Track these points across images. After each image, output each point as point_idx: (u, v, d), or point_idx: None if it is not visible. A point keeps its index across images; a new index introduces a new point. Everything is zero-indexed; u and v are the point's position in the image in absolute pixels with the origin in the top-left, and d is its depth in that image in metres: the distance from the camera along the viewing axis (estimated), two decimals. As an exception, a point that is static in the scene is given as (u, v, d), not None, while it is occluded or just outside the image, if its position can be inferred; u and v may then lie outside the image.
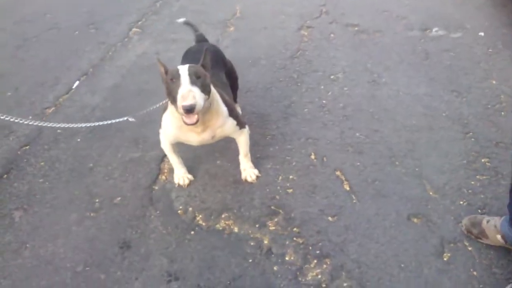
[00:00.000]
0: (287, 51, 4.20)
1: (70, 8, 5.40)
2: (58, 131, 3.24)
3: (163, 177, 2.85)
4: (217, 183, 2.77)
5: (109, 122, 2.62)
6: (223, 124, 2.41)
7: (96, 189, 2.77)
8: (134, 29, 4.87)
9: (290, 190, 2.68)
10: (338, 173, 2.78)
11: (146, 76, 3.91)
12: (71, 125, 2.66)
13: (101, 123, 2.62)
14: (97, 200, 2.69)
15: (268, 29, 4.67)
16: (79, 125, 2.76)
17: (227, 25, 4.83)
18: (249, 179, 2.75)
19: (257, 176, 2.77)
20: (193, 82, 2.05)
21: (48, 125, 2.55)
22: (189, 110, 1.99)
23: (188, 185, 2.76)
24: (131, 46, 4.49)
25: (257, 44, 4.37)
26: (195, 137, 2.40)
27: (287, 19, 4.84)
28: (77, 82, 3.92)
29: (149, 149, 3.04)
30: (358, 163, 2.84)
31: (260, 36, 4.53)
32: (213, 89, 2.29)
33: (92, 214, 2.60)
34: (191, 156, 2.92)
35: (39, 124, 2.77)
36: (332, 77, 3.76)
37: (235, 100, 3.16)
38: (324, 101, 3.46)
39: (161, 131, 2.52)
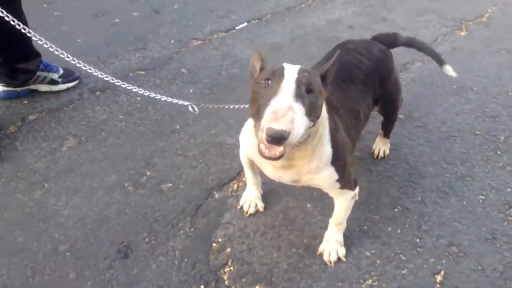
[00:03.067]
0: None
1: None
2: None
3: (235, 186, 2.11)
4: (284, 235, 1.91)
5: (170, 100, 1.90)
6: (317, 172, 1.50)
7: (158, 160, 2.20)
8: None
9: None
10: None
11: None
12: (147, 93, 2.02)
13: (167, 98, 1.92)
14: (148, 173, 2.13)
15: None
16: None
17: (460, 27, 3.54)
18: (326, 257, 1.81)
19: (339, 259, 1.81)
20: (298, 96, 1.22)
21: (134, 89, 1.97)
22: (276, 139, 1.14)
23: (252, 215, 1.98)
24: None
25: (483, 68, 3.05)
26: (270, 170, 1.57)
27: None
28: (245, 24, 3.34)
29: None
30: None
31: (496, 58, 3.16)
32: (324, 115, 1.40)
33: (129, 188, 2.06)
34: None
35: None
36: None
37: (387, 135, 2.22)
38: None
39: (241, 137, 1.74)
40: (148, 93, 1.95)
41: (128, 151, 2.24)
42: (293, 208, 2.02)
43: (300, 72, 1.26)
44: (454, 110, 2.66)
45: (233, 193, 2.08)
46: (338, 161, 1.52)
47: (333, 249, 1.80)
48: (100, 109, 2.46)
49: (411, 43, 2.10)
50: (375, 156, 2.29)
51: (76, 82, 2.64)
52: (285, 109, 1.16)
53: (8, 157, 2.18)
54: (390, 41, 2.04)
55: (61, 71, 2.57)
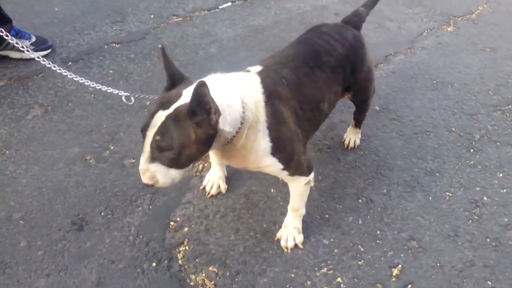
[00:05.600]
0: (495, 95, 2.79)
1: None
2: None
3: (200, 166, 2.08)
4: (244, 218, 1.88)
5: (111, 90, 1.79)
6: (259, 161, 1.50)
7: (123, 135, 2.16)
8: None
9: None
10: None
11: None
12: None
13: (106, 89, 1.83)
14: (111, 148, 2.09)
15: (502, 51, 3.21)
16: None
17: (448, 22, 3.50)
18: (283, 243, 1.79)
19: (296, 245, 1.79)
20: (155, 158, 1.29)
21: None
22: (147, 186, 1.36)
23: (214, 196, 1.95)
24: None
25: (466, 65, 3.02)
26: (219, 156, 1.59)
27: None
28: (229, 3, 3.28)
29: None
30: None
31: (480, 56, 3.14)
32: (258, 118, 1.41)
33: (91, 161, 2.02)
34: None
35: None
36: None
37: (358, 125, 2.19)
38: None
39: None
40: (83, 81, 1.85)
41: (94, 124, 2.19)
42: (256, 192, 1.99)
43: (157, 133, 1.24)
44: (431, 105, 2.63)
45: (197, 173, 2.05)
46: (280, 153, 1.50)
47: (290, 235, 1.78)
48: (70, 79, 2.39)
49: (371, 5, 2.07)
50: (345, 146, 2.27)
51: (49, 51, 2.57)
52: (142, 171, 1.30)
53: (-30, 121, 2.13)
54: (358, 19, 1.98)
55: (34, 39, 2.51)
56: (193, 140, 1.26)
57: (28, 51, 2.36)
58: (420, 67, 2.96)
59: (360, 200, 2.02)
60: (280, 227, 1.84)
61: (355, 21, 1.96)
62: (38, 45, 2.52)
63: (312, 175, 1.67)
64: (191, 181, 2.01)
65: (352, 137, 2.27)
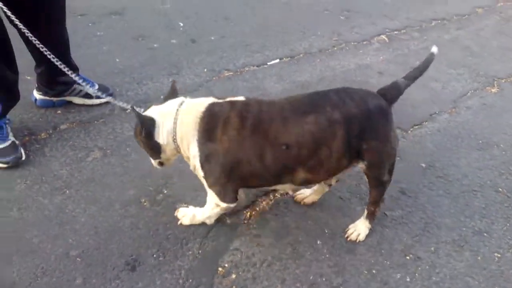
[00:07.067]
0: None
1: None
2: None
3: (248, 214, 2.13)
4: (291, 269, 1.89)
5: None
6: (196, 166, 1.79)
7: (176, 180, 2.25)
8: (381, 37, 4.07)
9: None
10: None
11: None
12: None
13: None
14: (165, 192, 2.18)
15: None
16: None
17: (492, 83, 3.54)
18: (179, 215, 2.06)
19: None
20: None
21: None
22: None
23: (261, 245, 1.98)
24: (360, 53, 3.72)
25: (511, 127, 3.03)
26: None
27: None
28: (277, 60, 3.45)
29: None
30: None
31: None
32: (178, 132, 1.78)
33: (145, 204, 2.11)
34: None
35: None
36: None
37: (370, 215, 2.05)
38: None
39: None
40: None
41: (149, 168, 2.29)
42: (302, 243, 2.01)
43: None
44: (477, 165, 2.63)
45: (245, 221, 2.10)
46: (206, 167, 1.74)
47: (188, 212, 2.04)
48: (128, 126, 2.55)
49: (414, 77, 1.90)
50: (346, 236, 2.06)
51: (110, 98, 2.75)
52: None
53: (36, 161, 2.27)
54: (396, 91, 1.83)
55: (97, 86, 2.70)
56: (143, 146, 1.89)
57: (97, 97, 2.56)
58: (465, 127, 2.98)
59: (407, 257, 2.01)
60: (327, 280, 1.85)
61: (392, 94, 1.82)
62: (101, 93, 2.70)
63: (225, 206, 1.84)
64: (238, 228, 2.05)
65: (358, 227, 2.06)
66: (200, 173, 1.78)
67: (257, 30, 3.90)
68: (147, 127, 1.75)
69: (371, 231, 2.08)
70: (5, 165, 2.20)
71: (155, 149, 1.85)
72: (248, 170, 1.71)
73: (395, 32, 4.22)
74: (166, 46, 3.45)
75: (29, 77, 2.69)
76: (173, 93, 1.90)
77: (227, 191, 1.79)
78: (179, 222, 2.02)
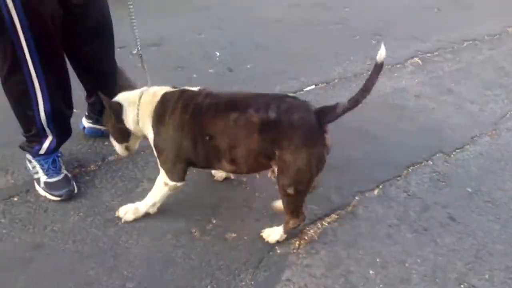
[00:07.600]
0: None
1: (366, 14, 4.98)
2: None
3: (297, 243, 2.14)
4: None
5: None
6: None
7: (223, 209, 2.28)
8: (414, 59, 4.08)
9: None
10: None
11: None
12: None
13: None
14: (213, 221, 2.21)
15: None
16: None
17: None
18: (121, 213, 2.21)
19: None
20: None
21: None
22: None
23: (313, 275, 1.98)
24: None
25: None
26: None
27: None
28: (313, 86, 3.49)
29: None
30: None
31: None
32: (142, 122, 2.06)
33: (195, 234, 2.14)
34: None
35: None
36: None
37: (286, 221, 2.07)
38: None
39: None
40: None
41: (196, 198, 2.34)
42: (354, 273, 2.00)
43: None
44: (524, 188, 2.59)
45: (295, 250, 2.10)
46: (157, 147, 2.02)
47: (130, 208, 2.20)
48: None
49: (357, 101, 1.84)
50: (261, 234, 2.14)
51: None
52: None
53: (87, 193, 2.34)
54: (333, 112, 1.81)
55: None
56: (112, 131, 2.21)
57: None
58: (507, 149, 2.94)
59: (462, 286, 1.98)
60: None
61: (328, 114, 1.82)
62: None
63: (173, 184, 2.05)
64: (289, 258, 2.06)
65: (274, 232, 2.11)
66: (155, 153, 2.05)
67: (291, 57, 3.96)
68: (115, 112, 2.05)
69: (423, 259, 2.06)
70: (58, 198, 2.27)
71: (123, 133, 2.15)
72: (188, 153, 1.95)
73: (428, 55, 4.23)
74: (205, 76, 3.54)
75: (75, 110, 2.78)
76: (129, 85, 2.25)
77: (175, 170, 2.02)
78: (122, 220, 2.16)
